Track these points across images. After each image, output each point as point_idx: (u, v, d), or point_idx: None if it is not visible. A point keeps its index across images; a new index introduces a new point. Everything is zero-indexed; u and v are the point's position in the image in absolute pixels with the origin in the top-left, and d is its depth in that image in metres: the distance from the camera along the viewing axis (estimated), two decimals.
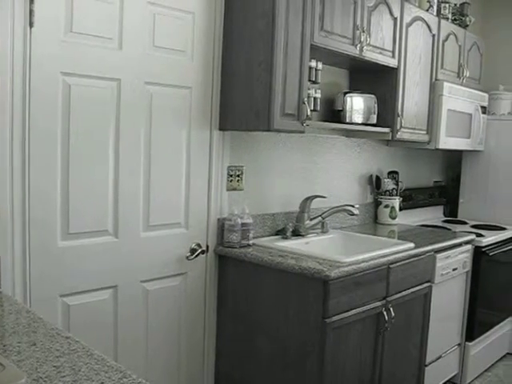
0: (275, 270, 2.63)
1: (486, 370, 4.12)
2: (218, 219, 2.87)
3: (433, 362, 3.50)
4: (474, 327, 3.86)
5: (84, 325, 2.34)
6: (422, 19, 3.67)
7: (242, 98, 2.69)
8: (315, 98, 2.97)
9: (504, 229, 4.26)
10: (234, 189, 2.95)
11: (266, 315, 2.71)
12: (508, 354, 4.47)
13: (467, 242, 3.71)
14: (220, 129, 2.81)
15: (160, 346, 2.68)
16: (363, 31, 3.09)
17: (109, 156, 2.37)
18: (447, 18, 4.05)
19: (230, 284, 2.87)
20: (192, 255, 2.74)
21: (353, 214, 3.28)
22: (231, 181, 2.92)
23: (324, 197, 3.31)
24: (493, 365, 4.24)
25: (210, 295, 2.89)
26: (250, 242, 2.88)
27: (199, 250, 2.77)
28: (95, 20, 2.25)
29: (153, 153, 2.53)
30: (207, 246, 2.84)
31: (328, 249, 3.14)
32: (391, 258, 2.89)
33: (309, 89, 2.85)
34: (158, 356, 2.68)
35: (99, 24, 2.27)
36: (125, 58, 2.38)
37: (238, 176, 2.95)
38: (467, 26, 4.35)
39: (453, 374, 3.81)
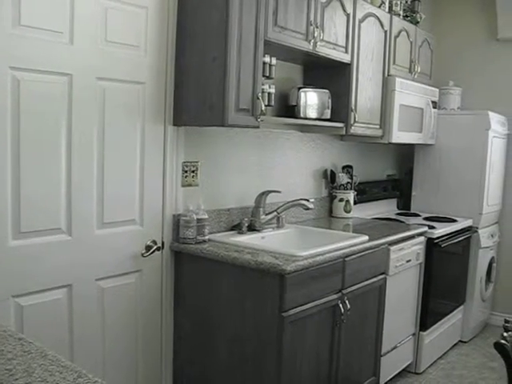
0: (231, 265, 2.63)
1: (439, 358, 4.23)
2: (174, 215, 2.86)
3: (388, 352, 3.56)
4: (428, 317, 3.95)
5: (38, 325, 2.30)
6: (375, 15, 3.72)
7: (196, 93, 2.68)
8: (269, 94, 2.98)
9: (455, 220, 4.36)
10: (189, 185, 2.93)
11: (223, 311, 2.71)
12: (460, 341, 4.59)
13: (420, 234, 3.79)
14: (174, 124, 2.79)
15: (117, 345, 2.65)
16: (317, 27, 3.11)
17: (61, 153, 2.32)
18: (399, 15, 4.12)
19: (187, 280, 2.86)
20: (147, 252, 2.72)
21: (308, 208, 3.31)
22: (186, 177, 2.91)
23: (279, 191, 3.33)
24: (446, 352, 4.35)
25: (167, 292, 2.88)
26: (206, 238, 2.87)
27: (154, 247, 2.75)
28: (45, 13, 2.20)
29: (106, 149, 2.50)
30: (163, 243, 2.82)
31: (284, 243, 3.16)
32: (346, 251, 2.93)
33: (263, 84, 2.86)
34: (115, 354, 2.65)
35: (49, 17, 2.22)
36: (76, 52, 2.33)
37: (193, 172, 2.94)
38: (418, 22, 4.43)
39: (408, 363, 3.89)
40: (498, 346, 2.05)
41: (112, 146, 2.52)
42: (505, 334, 2.10)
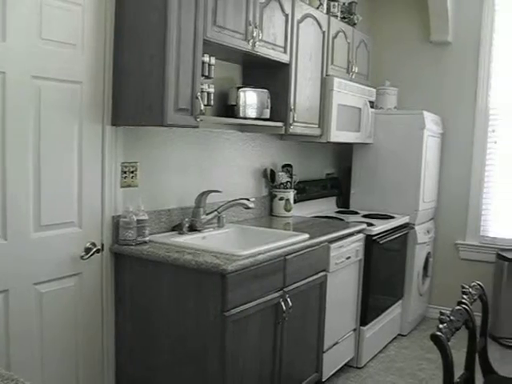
0: (172, 266, 2.62)
1: (379, 352, 4.33)
2: (113, 217, 2.82)
3: (330, 348, 3.62)
4: (368, 312, 4.03)
5: None
6: (313, 16, 3.77)
7: (135, 92, 2.65)
8: (209, 93, 2.97)
9: (392, 217, 4.47)
10: (129, 185, 2.90)
11: (165, 312, 2.69)
12: (399, 335, 4.71)
13: (359, 232, 3.86)
14: (113, 124, 2.75)
15: (56, 350, 2.59)
16: (255, 27, 3.13)
17: None
18: (336, 16, 4.19)
19: (128, 282, 2.83)
20: (87, 255, 2.67)
21: (248, 208, 3.33)
22: (125, 177, 2.87)
23: (219, 191, 3.33)
24: (385, 346, 4.45)
25: (107, 295, 2.83)
26: (147, 239, 2.85)
27: (94, 249, 2.71)
28: None
29: (42, 150, 2.43)
30: (102, 245, 2.78)
31: (225, 243, 3.16)
32: (287, 249, 2.95)
33: (202, 84, 2.85)
34: (55, 360, 2.59)
35: None
36: (9, 49, 2.26)
37: (133, 172, 2.91)
38: (355, 24, 4.52)
39: (349, 358, 3.96)
40: (433, 338, 2.12)
41: (48, 147, 2.46)
42: (440, 326, 2.17)
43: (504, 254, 4.71)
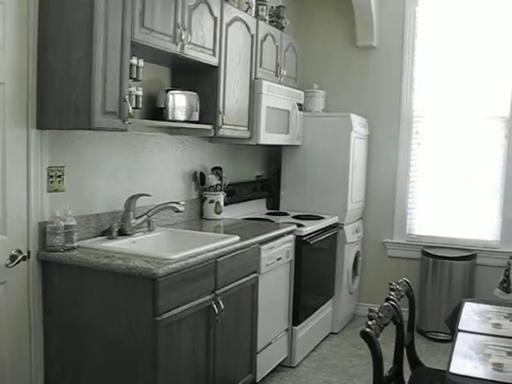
0: (102, 271, 2.57)
1: (312, 351, 4.39)
2: (40, 223, 2.73)
3: (263, 348, 3.64)
4: (300, 312, 4.08)
5: None
6: (241, 20, 3.79)
7: (61, 95, 2.58)
8: (137, 96, 2.94)
9: (322, 218, 4.55)
10: (56, 190, 2.82)
11: (96, 319, 2.64)
12: (331, 333, 4.80)
13: (289, 233, 3.91)
14: (38, 128, 2.67)
15: None
16: (184, 29, 3.11)
17: None
18: (265, 20, 4.23)
19: (57, 290, 2.75)
20: (12, 263, 2.58)
21: (178, 211, 3.31)
22: (52, 182, 2.79)
23: (149, 195, 3.29)
24: (318, 345, 4.52)
25: (35, 303, 2.74)
26: (75, 245, 2.78)
27: (20, 257, 2.62)
28: None
29: None
30: (28, 252, 2.69)
31: (155, 247, 3.13)
32: (218, 251, 2.96)
33: (130, 86, 2.82)
34: None
35: None
36: None
37: (59, 177, 2.83)
38: (283, 27, 4.57)
39: (283, 358, 4.00)
40: (363, 334, 2.18)
41: None
42: (369, 323, 2.24)
43: (429, 250, 4.89)
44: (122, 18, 2.64)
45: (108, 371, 2.63)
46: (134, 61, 2.85)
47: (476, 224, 4.99)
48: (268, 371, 3.77)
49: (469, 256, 4.78)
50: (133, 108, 2.78)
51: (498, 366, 2.08)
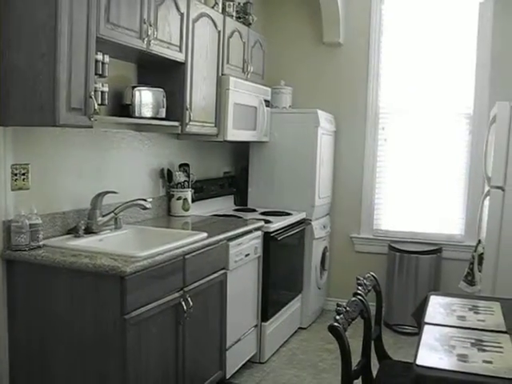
0: (69, 270, 2.54)
1: (281, 346, 4.41)
2: (4, 222, 2.68)
3: (233, 345, 3.65)
4: (268, 308, 4.10)
5: None
6: (208, 16, 3.78)
7: (25, 91, 2.53)
8: (103, 92, 2.91)
9: (290, 214, 4.57)
10: (20, 188, 2.77)
11: (64, 319, 2.60)
12: (300, 328, 4.83)
13: (257, 229, 3.91)
14: (1, 124, 2.61)
15: None
16: (150, 25, 3.09)
17: None
18: (232, 16, 4.22)
19: (22, 290, 2.70)
20: None
21: (145, 208, 3.29)
22: (16, 180, 2.74)
23: (115, 192, 3.26)
24: (287, 340, 4.55)
25: (0, 303, 2.71)
26: (41, 244, 2.74)
27: None
28: None
29: None
30: None
31: (123, 244, 3.11)
32: (186, 248, 2.95)
33: (96, 83, 2.78)
34: None
35: None
36: None
37: (24, 174, 2.78)
38: (250, 24, 4.57)
39: (252, 354, 4.01)
40: (331, 329, 2.20)
41: None
42: (337, 317, 2.26)
43: (395, 245, 4.95)
44: (87, 14, 2.60)
45: (76, 371, 2.60)
46: (100, 57, 2.82)
47: (441, 218, 5.08)
48: (237, 367, 3.77)
49: (434, 250, 4.86)
50: (98, 104, 2.75)
51: (462, 357, 2.12)
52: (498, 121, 3.77)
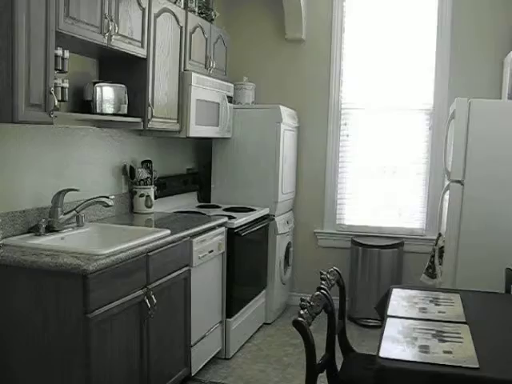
0: (30, 269, 2.50)
1: (246, 342, 4.42)
2: None
3: (198, 342, 3.64)
4: (233, 304, 4.10)
5: None
6: (170, 11, 3.75)
7: None
8: (63, 88, 2.86)
9: (253, 210, 4.58)
10: None
11: (25, 320, 2.55)
12: (265, 323, 4.85)
13: (221, 225, 3.91)
14: None
15: None
16: (111, 20, 3.05)
17: None
18: (194, 11, 4.20)
19: None
20: None
21: (108, 206, 3.25)
22: None
23: (77, 190, 3.22)
24: (252, 336, 4.56)
25: None
26: (0, 243, 2.69)
27: None
28: None
29: None
30: None
31: (85, 242, 3.07)
32: (149, 246, 2.93)
33: (56, 78, 2.73)
34: None
35: None
36: None
37: None
38: (213, 19, 4.56)
39: (217, 350, 4.01)
40: (295, 323, 2.21)
41: None
42: (301, 312, 2.27)
43: (358, 240, 5.01)
44: (46, 7, 2.55)
45: (39, 372, 2.56)
46: (60, 52, 2.77)
47: (403, 213, 5.15)
48: (203, 364, 3.77)
49: (396, 244, 4.93)
50: (59, 101, 2.70)
51: (424, 348, 2.16)
52: (456, 116, 3.84)
